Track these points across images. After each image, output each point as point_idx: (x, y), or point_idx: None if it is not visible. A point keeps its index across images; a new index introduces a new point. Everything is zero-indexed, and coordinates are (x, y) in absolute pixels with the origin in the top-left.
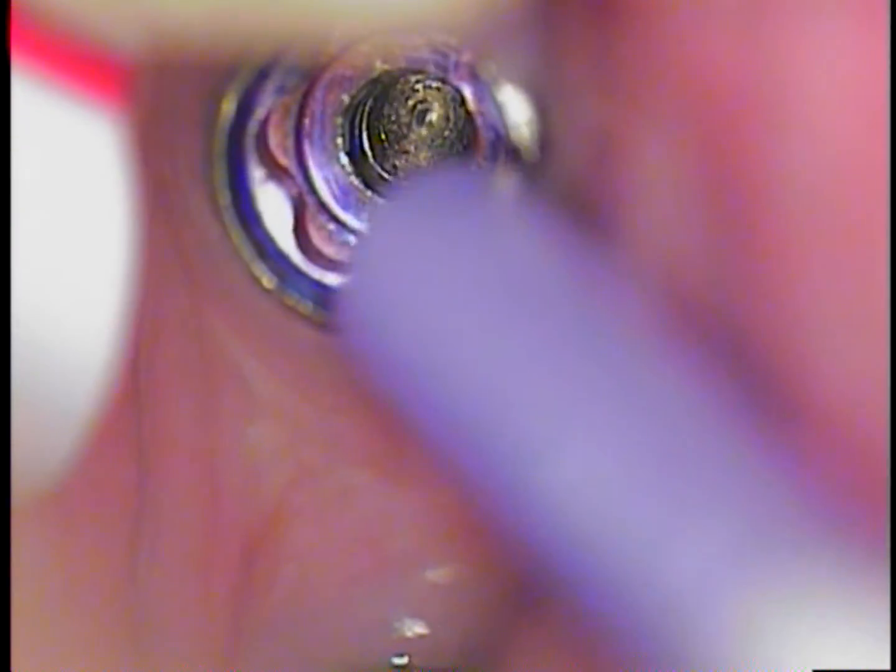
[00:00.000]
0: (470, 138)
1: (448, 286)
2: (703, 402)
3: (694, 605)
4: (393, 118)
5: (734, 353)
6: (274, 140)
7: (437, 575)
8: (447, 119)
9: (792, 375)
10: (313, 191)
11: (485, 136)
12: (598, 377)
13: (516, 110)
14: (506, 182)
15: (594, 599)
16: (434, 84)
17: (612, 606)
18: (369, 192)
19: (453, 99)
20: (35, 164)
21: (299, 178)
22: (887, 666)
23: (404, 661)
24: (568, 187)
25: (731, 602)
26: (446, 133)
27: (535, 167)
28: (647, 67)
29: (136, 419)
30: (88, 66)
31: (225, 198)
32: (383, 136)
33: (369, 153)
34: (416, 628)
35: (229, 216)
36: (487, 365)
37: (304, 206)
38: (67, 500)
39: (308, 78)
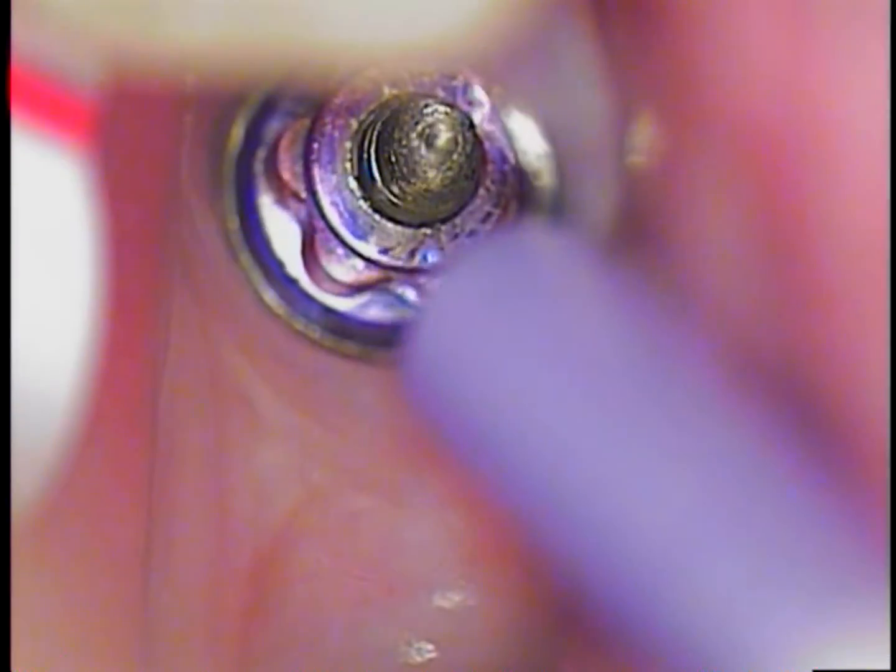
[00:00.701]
0: (478, 162)
1: (513, 346)
2: (763, 454)
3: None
4: (402, 142)
5: (795, 407)
6: (283, 165)
7: (446, 598)
8: (456, 143)
9: (848, 426)
10: (322, 215)
11: (494, 160)
12: (661, 433)
13: (525, 134)
14: (552, 237)
15: (629, 627)
16: (442, 108)
17: (644, 633)
18: (378, 217)
19: (462, 123)
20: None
21: (308, 203)
22: (887, 666)
23: None
24: (614, 231)
25: (741, 610)
26: (455, 157)
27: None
28: (691, 113)
29: (150, 445)
30: (54, 102)
31: (234, 222)
32: (392, 161)
33: (378, 177)
34: (424, 651)
35: (238, 241)
36: (547, 427)
37: (313, 231)
38: (79, 524)
39: (317, 103)
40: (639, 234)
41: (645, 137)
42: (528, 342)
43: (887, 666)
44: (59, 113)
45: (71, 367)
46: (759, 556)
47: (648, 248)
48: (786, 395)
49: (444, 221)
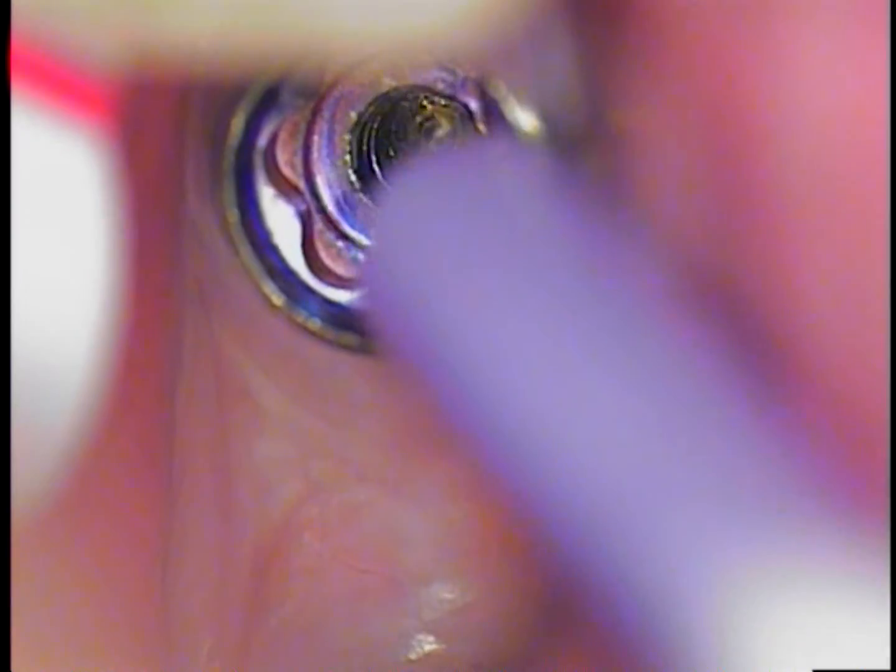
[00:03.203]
0: None
1: (461, 252)
2: (705, 373)
3: (688, 592)
4: (401, 135)
5: (737, 325)
6: (282, 157)
7: (447, 590)
8: (455, 135)
9: (794, 344)
10: (322, 208)
11: None
12: (601, 342)
13: (524, 126)
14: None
15: (602, 586)
16: (442, 101)
17: (611, 583)
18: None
19: (461, 115)
20: (18, 186)
21: (308, 196)
22: (887, 666)
23: None
24: (576, 171)
25: (726, 589)
26: (454, 150)
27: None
28: (660, 68)
29: (167, 443)
30: (72, 85)
31: (233, 215)
32: (391, 153)
33: (377, 170)
34: (425, 643)
35: (238, 234)
36: (492, 328)
37: (313, 224)
38: (101, 526)
39: (316, 95)
40: (593, 156)
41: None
42: (479, 255)
43: (887, 666)
44: (69, 92)
45: (84, 351)
46: (707, 483)
47: (596, 161)
48: (729, 311)
49: None
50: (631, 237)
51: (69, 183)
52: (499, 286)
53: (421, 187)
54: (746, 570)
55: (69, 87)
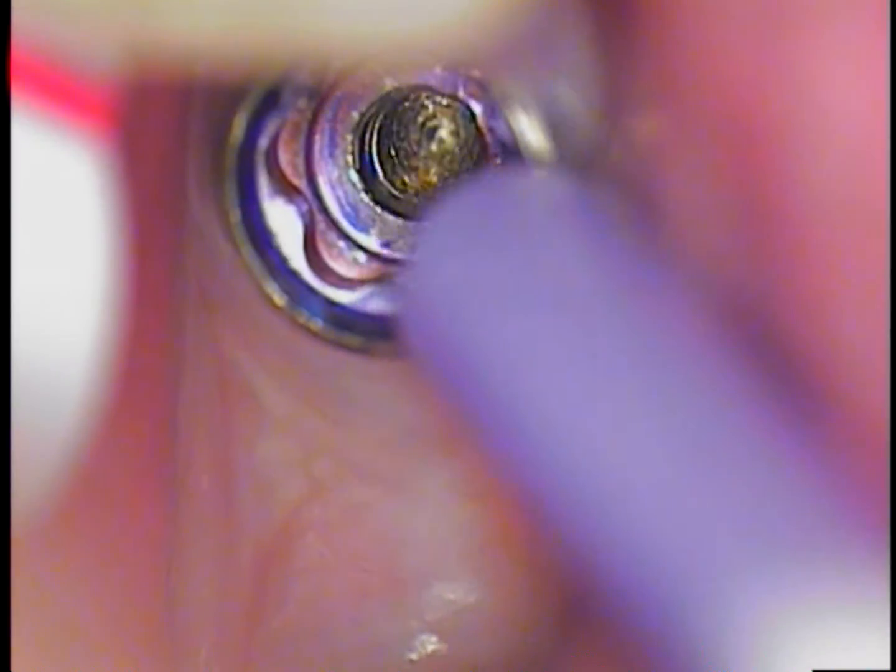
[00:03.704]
0: (479, 155)
1: (496, 294)
2: (734, 395)
3: (708, 606)
4: (402, 135)
5: (765, 346)
6: (284, 158)
7: (450, 590)
8: (457, 135)
9: (822, 365)
10: (323, 208)
11: (495, 152)
12: (630, 365)
13: (526, 127)
14: (540, 186)
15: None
16: (444, 101)
17: (633, 604)
18: (379, 210)
19: (463, 115)
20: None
21: (309, 196)
22: (887, 666)
23: None
24: (603, 194)
25: (743, 607)
26: (456, 150)
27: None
28: (676, 76)
29: (169, 444)
30: (70, 91)
31: (235, 216)
32: (393, 153)
33: (379, 170)
34: (428, 644)
35: (240, 234)
36: (533, 370)
37: (315, 224)
38: (104, 528)
39: (318, 96)
40: (619, 185)
41: (632, 122)
42: (514, 286)
43: (887, 666)
44: (69, 99)
45: (84, 355)
46: (740, 515)
47: (629, 199)
48: (762, 346)
49: None
50: (657, 258)
51: (67, 188)
52: (531, 312)
53: (456, 219)
54: (757, 574)
55: (67, 93)
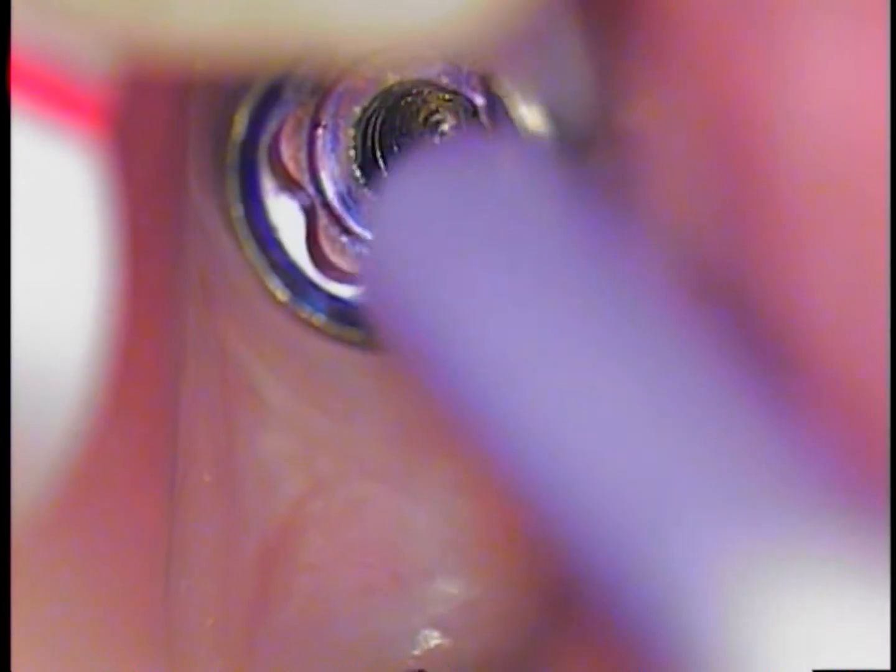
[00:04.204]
0: None
1: (462, 246)
2: (710, 368)
3: (694, 587)
4: (405, 130)
5: (741, 321)
6: (286, 152)
7: (452, 585)
8: (459, 130)
9: (797, 339)
10: (326, 203)
11: None
12: (605, 339)
13: (529, 121)
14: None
15: (607, 582)
16: (446, 95)
17: (619, 588)
18: None
19: (466, 110)
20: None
21: (312, 191)
22: (887, 666)
23: None
24: (581, 168)
25: (732, 584)
26: None
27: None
28: (666, 67)
29: (170, 440)
30: (64, 92)
31: (237, 210)
32: (395, 148)
33: (382, 165)
34: (431, 639)
35: (242, 229)
36: (493, 324)
37: (317, 219)
38: (103, 524)
39: (320, 91)
40: (597, 155)
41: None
42: (481, 250)
43: (887, 666)
44: (64, 101)
45: (82, 351)
46: (706, 468)
47: (599, 159)
48: (734, 307)
49: None
50: (636, 234)
51: (63, 187)
52: (500, 281)
53: (422, 181)
54: (752, 563)
55: (62, 94)
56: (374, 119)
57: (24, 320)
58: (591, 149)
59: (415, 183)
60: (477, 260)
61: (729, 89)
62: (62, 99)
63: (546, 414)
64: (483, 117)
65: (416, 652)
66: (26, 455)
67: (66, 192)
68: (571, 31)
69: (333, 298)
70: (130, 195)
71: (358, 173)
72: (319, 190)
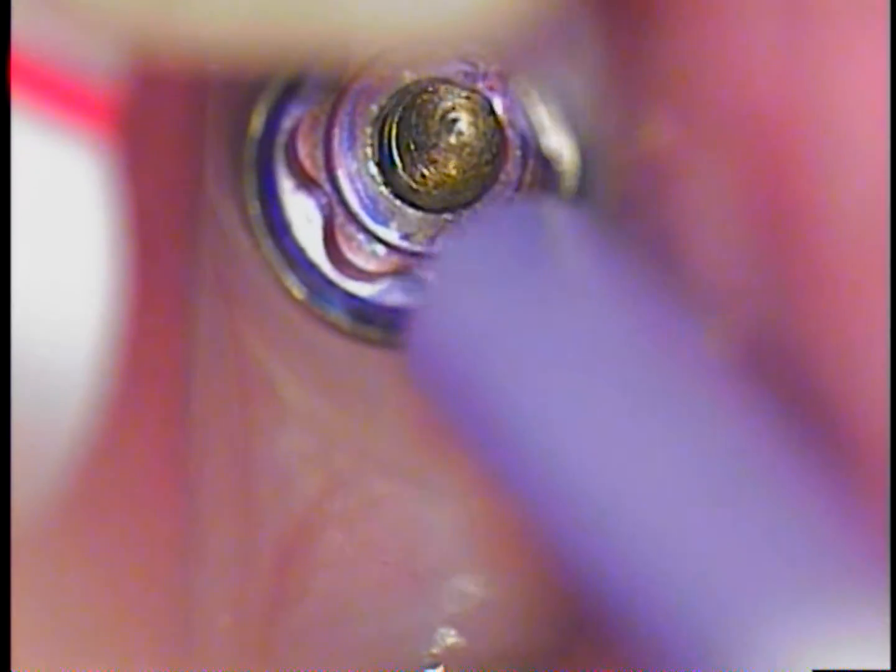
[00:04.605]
0: (499, 147)
1: (517, 319)
2: (753, 430)
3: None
4: (422, 128)
5: (789, 387)
6: (303, 150)
7: (469, 583)
8: (476, 128)
9: (845, 402)
10: (343, 201)
11: (514, 145)
12: (648, 398)
13: (545, 119)
14: (561, 212)
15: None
16: (463, 93)
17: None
18: (398, 202)
19: (482, 108)
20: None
21: (328, 189)
22: (887, 666)
23: (438, 671)
24: (618, 211)
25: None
26: (475, 142)
27: (578, 190)
28: (692, 86)
29: (185, 438)
30: (70, 90)
31: (254, 208)
32: (412, 146)
33: (398, 163)
34: (447, 636)
35: (259, 226)
36: (548, 394)
37: (334, 217)
38: (118, 521)
39: (337, 88)
40: (638, 213)
41: (651, 127)
42: (529, 318)
43: (887, 666)
44: (74, 103)
45: (88, 349)
46: (756, 550)
47: (647, 227)
48: (784, 380)
49: (465, 207)
50: (674, 290)
51: (67, 184)
52: (546, 340)
53: (481, 243)
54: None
55: (65, 92)
56: (390, 117)
57: (34, 317)
58: (609, 159)
59: (474, 245)
60: (530, 322)
61: (762, 105)
62: (70, 98)
63: (593, 475)
64: (500, 116)
65: (434, 650)
66: (37, 451)
67: (74, 191)
68: (591, 31)
69: (350, 296)
70: (142, 193)
71: (374, 171)
72: (336, 188)
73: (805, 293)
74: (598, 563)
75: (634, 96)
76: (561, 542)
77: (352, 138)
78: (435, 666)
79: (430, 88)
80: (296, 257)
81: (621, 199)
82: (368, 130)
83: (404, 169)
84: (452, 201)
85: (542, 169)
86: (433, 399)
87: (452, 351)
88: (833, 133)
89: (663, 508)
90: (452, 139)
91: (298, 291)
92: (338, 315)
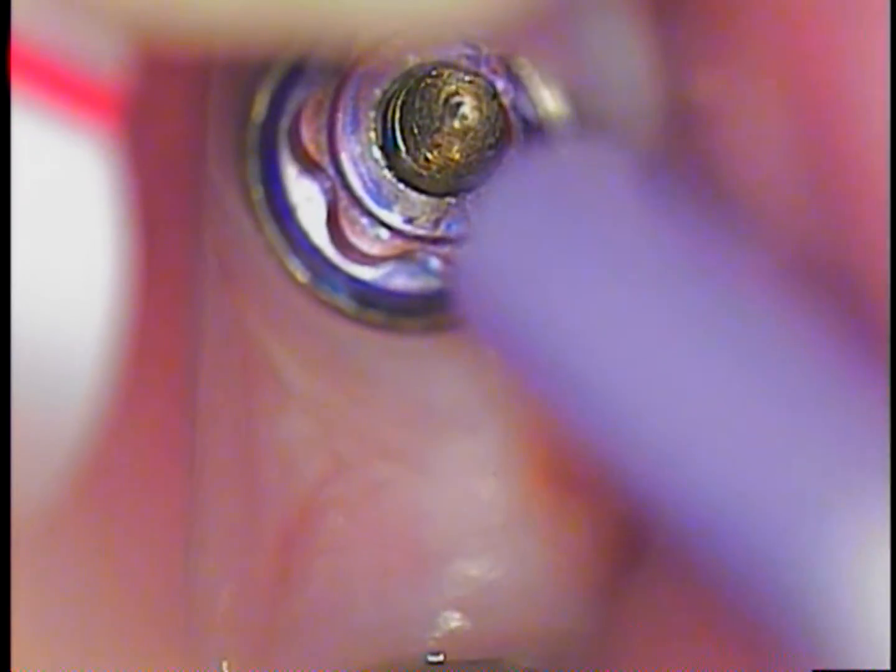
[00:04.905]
0: (502, 131)
1: (561, 254)
2: (811, 353)
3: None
4: (425, 112)
5: (845, 301)
6: (307, 135)
7: (472, 567)
8: (480, 112)
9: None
10: (346, 185)
11: (517, 128)
12: (703, 323)
13: (549, 103)
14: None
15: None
16: (466, 77)
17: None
18: (402, 186)
19: (486, 92)
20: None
21: (332, 173)
22: (887, 666)
23: (440, 658)
24: (654, 158)
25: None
26: (478, 126)
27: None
28: (737, 37)
29: (189, 422)
30: (70, 80)
31: (258, 192)
32: (416, 130)
33: (402, 147)
34: (451, 620)
35: (263, 211)
36: (595, 325)
37: (337, 201)
38: (123, 506)
39: (340, 72)
40: (679, 148)
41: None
42: (574, 254)
43: (887, 666)
44: (75, 92)
45: (93, 336)
46: (815, 457)
47: (691, 169)
48: (832, 292)
49: (468, 190)
50: (728, 227)
51: (70, 174)
52: (596, 272)
53: (521, 190)
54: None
55: (70, 83)
56: (394, 101)
57: (37, 308)
58: (630, 124)
59: (514, 193)
60: (573, 253)
61: (809, 52)
62: (70, 87)
63: (645, 401)
64: (503, 99)
65: (436, 634)
66: (41, 440)
67: (75, 180)
68: (607, 9)
69: (353, 280)
70: (144, 181)
71: (378, 155)
72: (339, 171)
73: (847, 206)
74: (657, 490)
75: (674, 42)
76: (619, 471)
77: (355, 122)
78: (437, 654)
79: (434, 72)
80: (299, 241)
81: (661, 149)
82: (372, 114)
83: (408, 153)
84: (456, 185)
85: (546, 151)
86: (483, 340)
87: (499, 287)
88: (873, 68)
89: (718, 428)
90: (456, 123)
91: (302, 275)
92: (341, 299)
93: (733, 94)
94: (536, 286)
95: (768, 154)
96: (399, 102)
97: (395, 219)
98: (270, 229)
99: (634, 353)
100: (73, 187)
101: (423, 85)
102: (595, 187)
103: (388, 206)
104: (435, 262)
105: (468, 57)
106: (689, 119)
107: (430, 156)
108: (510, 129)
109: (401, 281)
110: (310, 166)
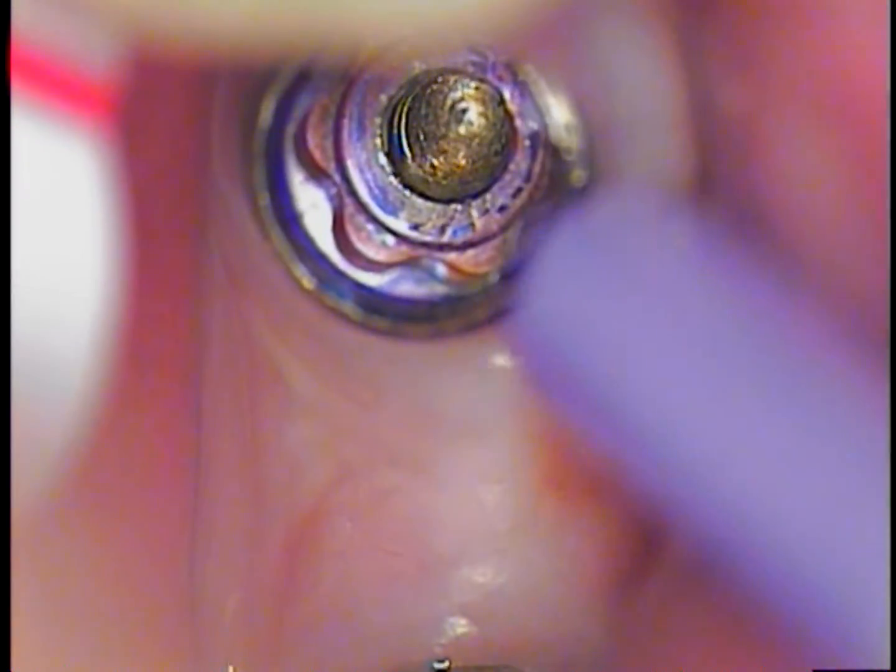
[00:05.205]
0: (508, 138)
1: (617, 308)
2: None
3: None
4: (431, 118)
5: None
6: (313, 141)
7: (478, 573)
8: (486, 118)
9: None
10: (352, 191)
11: (523, 135)
12: (764, 379)
13: (555, 109)
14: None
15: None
16: (473, 84)
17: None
18: (408, 192)
19: (492, 98)
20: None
21: (338, 179)
22: (887, 666)
23: (445, 664)
24: (699, 189)
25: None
26: (484, 133)
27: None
28: (773, 48)
29: (193, 428)
30: (68, 82)
31: (264, 199)
32: (421, 137)
33: (408, 153)
34: (457, 626)
35: (268, 217)
36: (654, 367)
37: (343, 207)
38: (127, 510)
39: (346, 79)
40: (717, 192)
41: (728, 96)
42: (632, 321)
43: (887, 666)
44: (73, 93)
45: (87, 340)
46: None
47: (731, 205)
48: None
49: (474, 197)
50: (773, 269)
51: (65, 176)
52: (652, 350)
53: (577, 251)
54: None
55: (67, 84)
56: (400, 107)
57: (33, 307)
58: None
59: (569, 254)
60: (636, 314)
61: (845, 60)
62: (70, 90)
63: (710, 457)
64: (509, 106)
65: (443, 640)
66: (38, 438)
67: (72, 181)
68: (616, 17)
69: (360, 286)
70: (142, 183)
71: (384, 161)
72: (345, 178)
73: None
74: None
75: (708, 66)
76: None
77: (361, 129)
78: (442, 661)
79: (440, 79)
80: (305, 247)
81: (701, 176)
82: (378, 121)
83: (414, 159)
84: (462, 191)
85: (552, 159)
86: (543, 392)
87: (560, 344)
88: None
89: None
90: (462, 129)
91: (308, 282)
92: (347, 305)
93: (767, 104)
94: (600, 343)
95: (813, 178)
96: (405, 109)
97: (400, 225)
98: (276, 236)
99: (695, 403)
100: (67, 186)
101: (429, 91)
102: (643, 243)
103: (393, 212)
104: (441, 269)
105: (474, 63)
106: (723, 137)
107: (436, 162)
108: (516, 136)
109: (407, 287)
110: (316, 173)
